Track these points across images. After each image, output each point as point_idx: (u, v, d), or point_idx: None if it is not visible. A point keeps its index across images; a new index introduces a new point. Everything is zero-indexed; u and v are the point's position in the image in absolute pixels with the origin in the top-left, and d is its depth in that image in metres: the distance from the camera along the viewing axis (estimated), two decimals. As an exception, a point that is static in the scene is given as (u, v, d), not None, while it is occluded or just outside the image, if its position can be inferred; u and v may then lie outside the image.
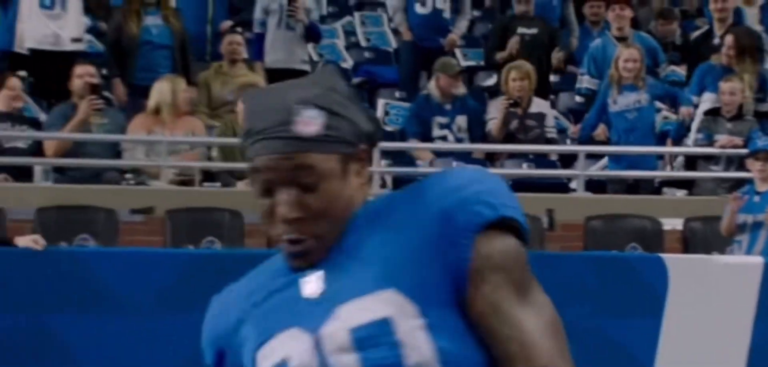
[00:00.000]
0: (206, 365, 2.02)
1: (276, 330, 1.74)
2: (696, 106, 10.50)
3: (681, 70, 11.73)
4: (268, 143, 1.68)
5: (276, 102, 1.72)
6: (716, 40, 10.93)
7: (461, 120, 10.11)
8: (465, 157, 10.05)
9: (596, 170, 10.64)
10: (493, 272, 1.59)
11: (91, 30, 11.26)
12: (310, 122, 1.66)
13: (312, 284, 1.69)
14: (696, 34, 12.26)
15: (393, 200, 1.78)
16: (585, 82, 10.85)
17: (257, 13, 10.89)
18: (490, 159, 10.04)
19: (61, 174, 9.67)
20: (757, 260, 7.51)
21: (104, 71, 10.31)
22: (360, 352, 1.64)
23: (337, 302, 1.67)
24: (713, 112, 10.13)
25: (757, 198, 8.62)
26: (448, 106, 10.09)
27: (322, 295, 1.69)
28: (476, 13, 13.01)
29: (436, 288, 1.62)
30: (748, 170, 9.08)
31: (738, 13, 12.01)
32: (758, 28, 11.67)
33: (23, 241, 6.67)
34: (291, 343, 1.73)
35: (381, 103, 11.18)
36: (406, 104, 10.89)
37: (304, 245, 1.66)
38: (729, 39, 10.59)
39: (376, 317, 1.63)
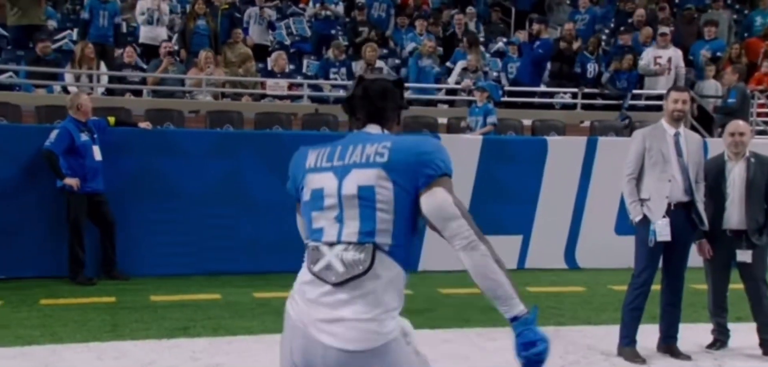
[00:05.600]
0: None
1: None
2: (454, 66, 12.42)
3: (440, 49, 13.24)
4: None
5: None
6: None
7: (343, 71, 11.80)
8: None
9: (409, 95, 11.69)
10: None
11: (170, 27, 12.55)
12: None
13: None
14: (448, 33, 13.92)
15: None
16: (404, 53, 12.86)
17: (245, 17, 12.78)
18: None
19: (155, 94, 11.19)
20: (478, 138, 9.04)
21: (176, 46, 11.87)
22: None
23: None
24: (464, 69, 12.13)
25: (477, 109, 10.34)
26: (338, 64, 11.91)
27: None
28: (347, 19, 13.95)
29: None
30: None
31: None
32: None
33: (142, 124, 8.22)
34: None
35: (305, 62, 12.81)
36: (317, 62, 12.52)
37: None
38: (466, 39, 12.76)
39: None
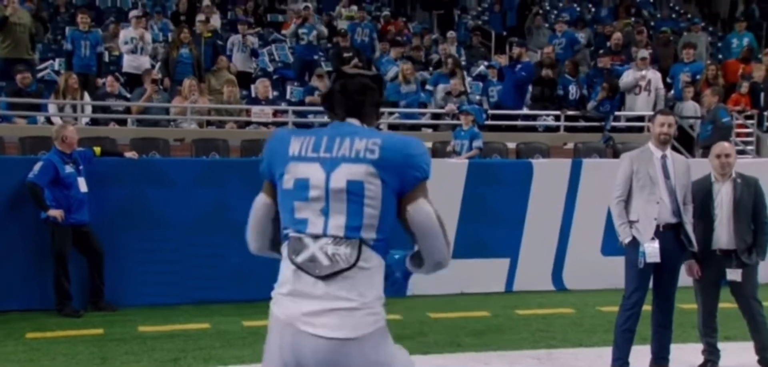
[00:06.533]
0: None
1: None
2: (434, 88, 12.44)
3: (427, 74, 13.34)
4: None
5: None
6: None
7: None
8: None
9: (393, 119, 11.99)
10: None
11: (154, 56, 12.65)
12: None
13: None
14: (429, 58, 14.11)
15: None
16: (389, 76, 12.59)
17: (228, 45, 12.88)
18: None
19: (139, 123, 11.13)
20: (464, 161, 9.08)
21: (160, 75, 11.82)
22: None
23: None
24: (448, 92, 12.17)
25: (463, 133, 10.36)
26: (321, 90, 11.65)
27: None
28: (329, 45, 14.17)
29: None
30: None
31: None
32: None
33: (128, 154, 8.18)
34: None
35: (288, 88, 12.83)
36: (301, 88, 12.66)
37: None
38: (450, 61, 12.85)
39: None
